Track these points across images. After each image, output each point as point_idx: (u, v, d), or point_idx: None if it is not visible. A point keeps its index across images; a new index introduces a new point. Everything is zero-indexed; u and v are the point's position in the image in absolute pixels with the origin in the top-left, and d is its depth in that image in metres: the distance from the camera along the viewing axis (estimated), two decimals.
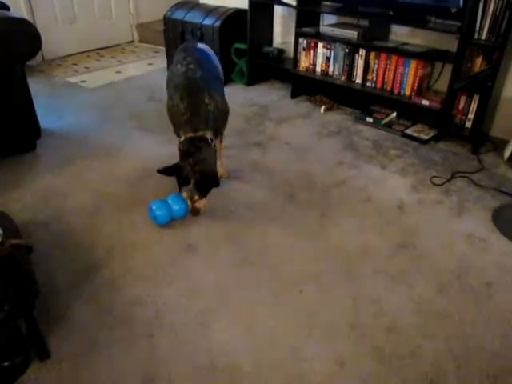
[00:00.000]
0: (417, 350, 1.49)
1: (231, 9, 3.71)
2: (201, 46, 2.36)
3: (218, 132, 2.17)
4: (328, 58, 3.33)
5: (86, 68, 4.30)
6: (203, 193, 2.01)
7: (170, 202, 2.04)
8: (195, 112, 2.02)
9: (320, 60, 3.38)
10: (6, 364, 1.33)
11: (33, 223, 2.05)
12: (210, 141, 2.02)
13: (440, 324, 1.59)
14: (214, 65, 2.29)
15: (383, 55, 3.03)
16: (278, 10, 3.77)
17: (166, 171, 2.01)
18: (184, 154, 1.98)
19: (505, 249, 1.98)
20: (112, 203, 2.22)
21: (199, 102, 2.02)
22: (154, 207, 2.03)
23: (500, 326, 1.59)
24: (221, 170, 2.37)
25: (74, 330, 1.54)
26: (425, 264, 1.88)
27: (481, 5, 2.52)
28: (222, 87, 2.26)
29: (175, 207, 2.04)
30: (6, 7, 2.47)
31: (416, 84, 2.95)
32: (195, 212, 2.05)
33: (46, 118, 3.04)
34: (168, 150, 2.56)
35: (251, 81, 3.86)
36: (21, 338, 1.39)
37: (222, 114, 2.17)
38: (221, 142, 2.33)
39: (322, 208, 2.21)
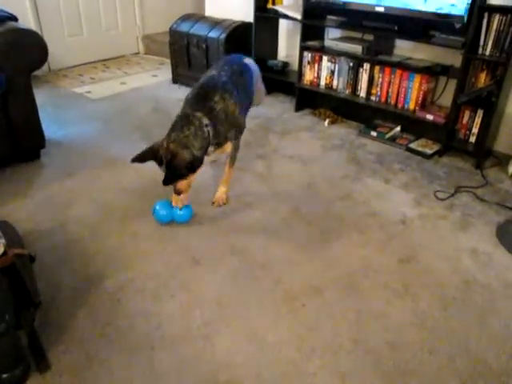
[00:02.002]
0: (420, 366, 1.47)
1: (236, 22, 3.74)
2: (246, 61, 2.38)
3: (221, 137, 2.05)
4: (332, 72, 3.35)
5: (92, 79, 4.34)
6: (173, 176, 1.87)
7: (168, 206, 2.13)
8: (200, 101, 2.00)
9: (324, 73, 3.40)
10: (4, 376, 1.32)
11: (36, 233, 2.05)
12: (204, 125, 1.93)
13: (444, 340, 1.57)
14: (246, 82, 2.29)
15: (387, 69, 3.05)
16: (282, 23, 3.81)
17: (139, 158, 1.91)
18: (172, 126, 1.92)
19: (509, 264, 1.96)
20: (115, 214, 2.22)
21: (207, 97, 2.01)
22: (157, 207, 2.13)
23: (505, 343, 1.57)
24: (220, 194, 2.33)
25: (75, 341, 1.53)
26: (428, 279, 1.86)
27: (484, 21, 2.53)
28: (245, 104, 2.22)
29: (179, 212, 2.10)
30: (14, 18, 2.50)
31: (420, 98, 2.96)
32: (176, 191, 2.00)
33: (50, 128, 3.06)
34: None
35: None
36: (21, 349, 1.38)
37: (230, 122, 2.08)
38: (230, 166, 2.29)
39: (325, 221, 2.20)
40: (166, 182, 1.85)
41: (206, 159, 2.02)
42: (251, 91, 2.35)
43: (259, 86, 2.51)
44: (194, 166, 1.89)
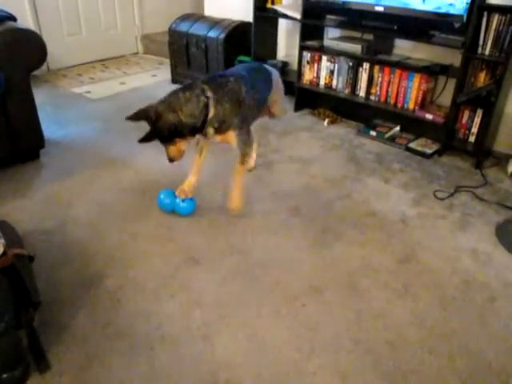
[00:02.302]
0: (420, 365, 1.47)
1: (236, 21, 3.74)
2: (267, 66, 2.39)
3: (222, 118, 1.94)
4: (332, 72, 3.35)
5: (91, 79, 4.33)
6: (152, 135, 1.87)
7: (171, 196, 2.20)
8: (211, 78, 1.99)
9: (324, 73, 3.39)
10: (4, 376, 1.31)
11: (35, 233, 2.05)
12: (204, 97, 1.87)
13: (444, 339, 1.57)
14: (263, 78, 2.27)
15: (387, 69, 3.04)
16: (282, 23, 3.80)
17: (133, 116, 1.89)
18: (172, 90, 1.92)
19: (508, 263, 1.96)
20: (115, 214, 2.22)
21: (222, 76, 2.02)
22: (162, 195, 2.20)
23: (504, 342, 1.57)
24: (235, 200, 2.17)
25: (76, 341, 1.52)
26: (428, 278, 1.86)
27: (484, 20, 2.53)
28: (258, 100, 2.18)
29: (182, 204, 2.16)
30: (12, 18, 2.50)
31: (419, 98, 2.96)
32: (168, 159, 1.99)
33: (50, 128, 3.05)
34: None
35: None
36: (21, 349, 1.38)
37: (237, 106, 1.98)
38: (239, 162, 2.09)
39: (324, 221, 2.20)
40: (143, 138, 1.85)
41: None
42: (267, 90, 2.29)
43: (279, 93, 2.43)
44: (177, 129, 1.85)
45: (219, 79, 1.98)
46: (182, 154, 1.98)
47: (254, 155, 2.64)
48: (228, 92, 1.94)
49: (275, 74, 2.39)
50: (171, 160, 1.98)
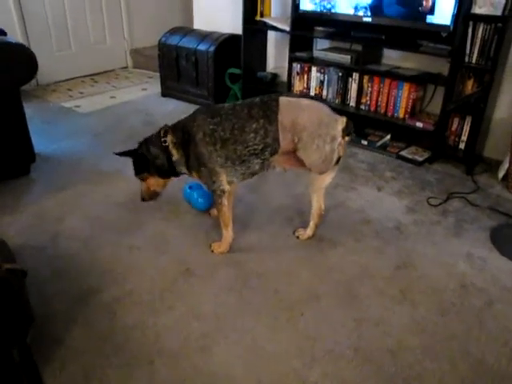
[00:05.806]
0: (422, 371, 1.46)
1: (225, 34, 3.76)
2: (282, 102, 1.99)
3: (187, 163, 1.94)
4: (322, 82, 3.37)
5: (81, 93, 4.32)
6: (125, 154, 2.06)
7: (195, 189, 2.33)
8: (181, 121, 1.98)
9: (314, 84, 3.42)
10: None
11: (28, 248, 2.02)
12: (163, 141, 1.92)
13: (444, 344, 1.57)
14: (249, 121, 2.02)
15: (376, 79, 3.07)
16: (271, 35, 3.83)
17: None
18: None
19: (504, 268, 1.97)
20: (108, 227, 2.20)
21: (189, 118, 1.94)
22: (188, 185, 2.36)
23: (504, 345, 1.57)
24: (216, 243, 2.06)
25: (71, 357, 1.49)
26: (426, 284, 1.86)
27: (470, 29, 2.58)
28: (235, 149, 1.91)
29: (200, 199, 2.31)
30: (2, 33, 2.49)
31: (409, 106, 2.99)
32: (141, 198, 2.13)
33: (40, 143, 3.02)
34: None
35: None
36: (13, 367, 1.34)
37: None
38: (218, 205, 1.96)
39: (320, 230, 2.19)
40: (119, 152, 2.10)
41: None
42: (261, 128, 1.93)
43: (296, 134, 1.91)
44: (146, 164, 1.99)
45: (184, 121, 1.93)
46: (153, 195, 2.08)
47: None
48: (185, 134, 1.89)
49: (284, 106, 1.93)
50: (143, 199, 2.09)
